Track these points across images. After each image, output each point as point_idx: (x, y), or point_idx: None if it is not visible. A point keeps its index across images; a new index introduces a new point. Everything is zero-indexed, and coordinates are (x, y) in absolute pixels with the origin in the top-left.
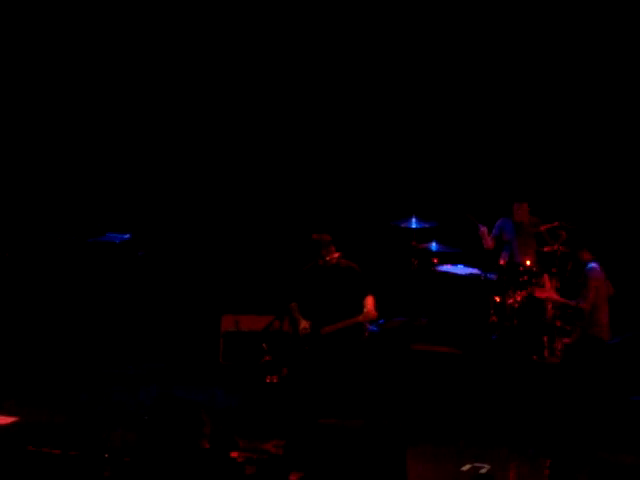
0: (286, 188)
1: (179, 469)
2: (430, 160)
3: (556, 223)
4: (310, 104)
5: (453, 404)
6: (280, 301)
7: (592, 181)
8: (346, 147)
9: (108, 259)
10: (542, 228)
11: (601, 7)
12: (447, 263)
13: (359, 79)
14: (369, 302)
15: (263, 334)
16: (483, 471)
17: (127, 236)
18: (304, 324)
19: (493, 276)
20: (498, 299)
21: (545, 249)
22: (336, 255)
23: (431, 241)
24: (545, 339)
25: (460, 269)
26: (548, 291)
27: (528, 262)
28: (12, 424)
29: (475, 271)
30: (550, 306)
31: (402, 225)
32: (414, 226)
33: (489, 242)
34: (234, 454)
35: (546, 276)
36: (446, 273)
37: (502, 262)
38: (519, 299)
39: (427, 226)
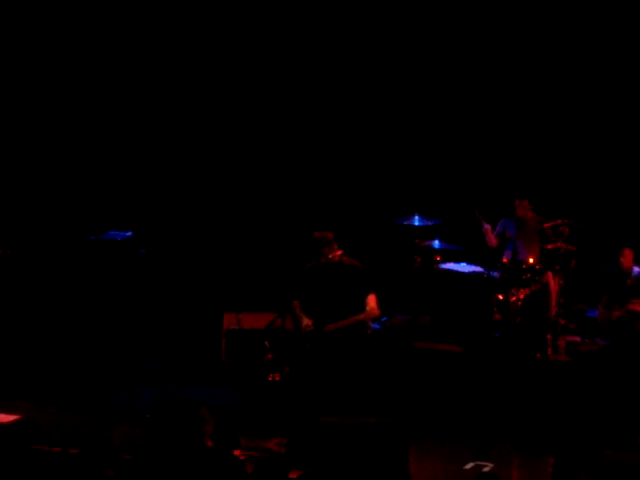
0: (288, 186)
1: (182, 467)
2: (433, 158)
3: (559, 221)
4: (312, 102)
5: (456, 402)
6: (282, 299)
7: (595, 179)
8: (348, 145)
9: (110, 257)
10: (545, 225)
11: (601, 7)
12: (450, 261)
13: (361, 77)
14: (371, 300)
15: (265, 332)
16: (486, 469)
17: (129, 234)
18: (306, 322)
19: (496, 274)
20: (501, 297)
21: (548, 246)
22: (338, 253)
23: (434, 239)
24: (549, 337)
25: (463, 267)
26: None
27: (531, 260)
28: (14, 422)
29: (478, 269)
30: (553, 303)
31: (405, 223)
32: (417, 224)
33: (493, 240)
34: (236, 452)
35: (549, 274)
36: (449, 271)
37: (505, 260)
38: (522, 297)
39: (430, 224)
